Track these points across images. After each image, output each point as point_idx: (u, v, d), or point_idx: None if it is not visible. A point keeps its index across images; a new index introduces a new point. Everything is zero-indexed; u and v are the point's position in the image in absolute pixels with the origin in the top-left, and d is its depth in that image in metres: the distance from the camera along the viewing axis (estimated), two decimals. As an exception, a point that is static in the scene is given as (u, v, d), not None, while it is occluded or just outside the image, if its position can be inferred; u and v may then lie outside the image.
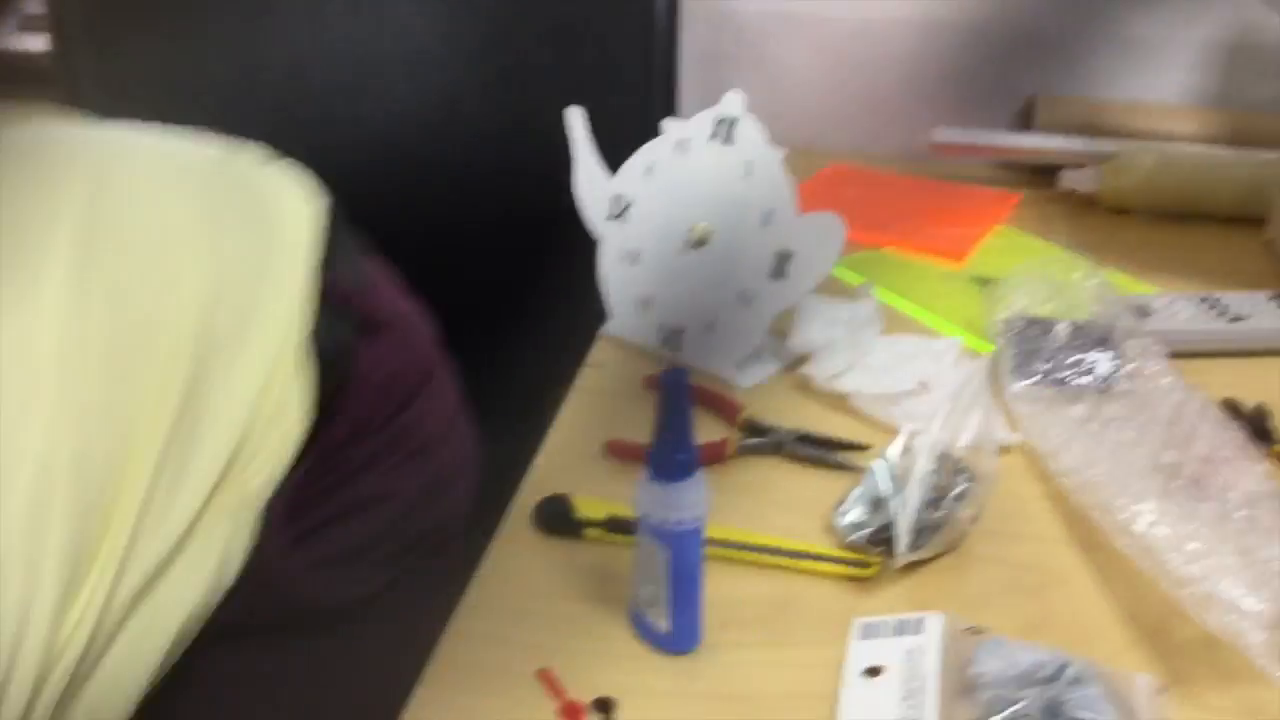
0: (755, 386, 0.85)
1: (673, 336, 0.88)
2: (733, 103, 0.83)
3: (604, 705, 0.59)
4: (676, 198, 0.86)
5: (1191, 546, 0.62)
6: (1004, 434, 0.78)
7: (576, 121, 0.89)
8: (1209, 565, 0.61)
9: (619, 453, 0.77)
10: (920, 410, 0.79)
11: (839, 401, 0.82)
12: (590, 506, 0.71)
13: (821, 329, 0.84)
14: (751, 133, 0.82)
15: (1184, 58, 1.24)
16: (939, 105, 1.28)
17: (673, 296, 0.87)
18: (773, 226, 0.82)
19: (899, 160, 1.28)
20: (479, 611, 0.65)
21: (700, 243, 0.85)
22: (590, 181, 0.90)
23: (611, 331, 0.91)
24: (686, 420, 0.56)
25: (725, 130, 0.83)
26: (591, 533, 0.70)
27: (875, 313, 0.86)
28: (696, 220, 0.85)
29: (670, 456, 0.57)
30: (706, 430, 0.80)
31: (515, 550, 0.70)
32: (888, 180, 1.22)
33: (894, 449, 0.71)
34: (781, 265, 0.82)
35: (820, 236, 0.80)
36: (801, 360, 0.85)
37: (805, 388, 0.84)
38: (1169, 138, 1.21)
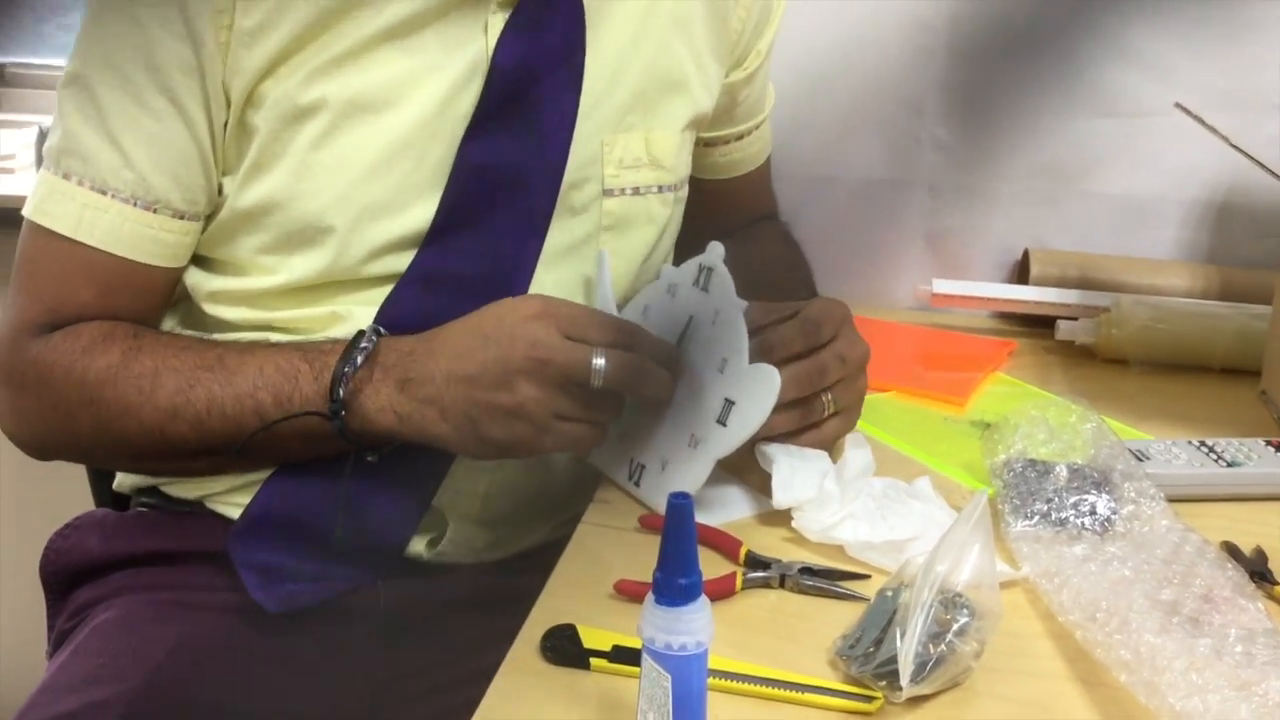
0: (742, 523, 0.86)
1: (635, 472, 0.90)
2: (714, 252, 0.87)
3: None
4: (665, 338, 0.88)
5: (1192, 679, 0.62)
6: (1005, 570, 0.79)
7: (603, 260, 0.93)
8: (1210, 699, 0.61)
9: (628, 591, 0.77)
10: (919, 551, 0.80)
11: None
12: (596, 637, 0.72)
13: (809, 482, 0.85)
14: (723, 282, 0.86)
15: (1175, 215, 1.28)
16: (937, 258, 1.32)
17: (642, 433, 0.90)
18: (725, 374, 0.84)
19: (898, 310, 1.31)
20: (483, 739, 0.65)
21: (676, 379, 0.88)
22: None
23: (592, 461, 0.93)
24: (691, 545, 0.58)
25: (705, 278, 0.87)
26: (597, 663, 0.71)
27: (869, 463, 0.87)
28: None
29: (674, 580, 0.58)
30: (709, 566, 0.80)
31: (521, 679, 0.70)
32: (889, 328, 1.26)
33: (894, 582, 0.72)
34: (726, 412, 0.84)
35: (758, 387, 0.83)
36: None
37: (784, 520, 0.85)
38: (1162, 292, 1.25)
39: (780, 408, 0.85)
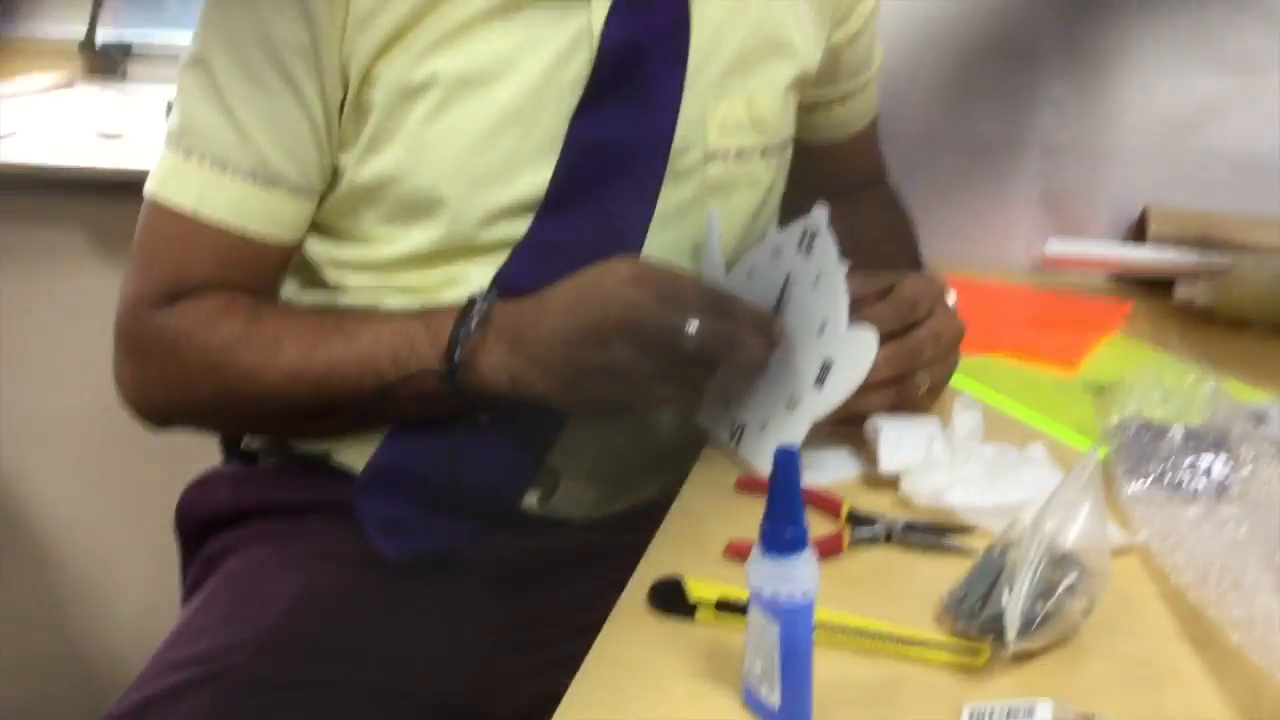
0: (847, 489, 0.86)
1: (736, 432, 0.91)
2: (818, 215, 0.87)
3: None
4: (764, 301, 0.89)
5: (1307, 639, 0.61)
6: (1116, 533, 0.78)
7: (711, 221, 0.94)
8: (1326, 659, 0.60)
9: (740, 552, 0.78)
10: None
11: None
12: (702, 589, 0.73)
13: (917, 446, 0.85)
14: (826, 245, 0.85)
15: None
16: (1051, 218, 1.30)
17: (743, 395, 0.91)
18: (824, 336, 0.85)
19: (1011, 273, 1.30)
20: (594, 685, 0.67)
21: (773, 345, 0.88)
22: (710, 278, 0.94)
23: (699, 422, 0.95)
24: (796, 496, 0.59)
25: (809, 241, 0.87)
26: (703, 614, 0.72)
27: (978, 425, 0.87)
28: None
29: (782, 531, 0.59)
30: (813, 526, 0.81)
31: (629, 629, 0.72)
32: (999, 290, 1.24)
33: (1002, 540, 0.72)
34: (824, 374, 0.84)
35: (856, 350, 0.83)
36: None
37: (890, 483, 0.85)
38: (1285, 251, 1.21)
39: (874, 386, 0.85)
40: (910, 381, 0.88)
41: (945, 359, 0.90)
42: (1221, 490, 0.81)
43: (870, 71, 1.13)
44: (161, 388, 0.93)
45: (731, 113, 0.96)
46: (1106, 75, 1.27)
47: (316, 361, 0.88)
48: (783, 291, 0.88)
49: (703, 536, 0.80)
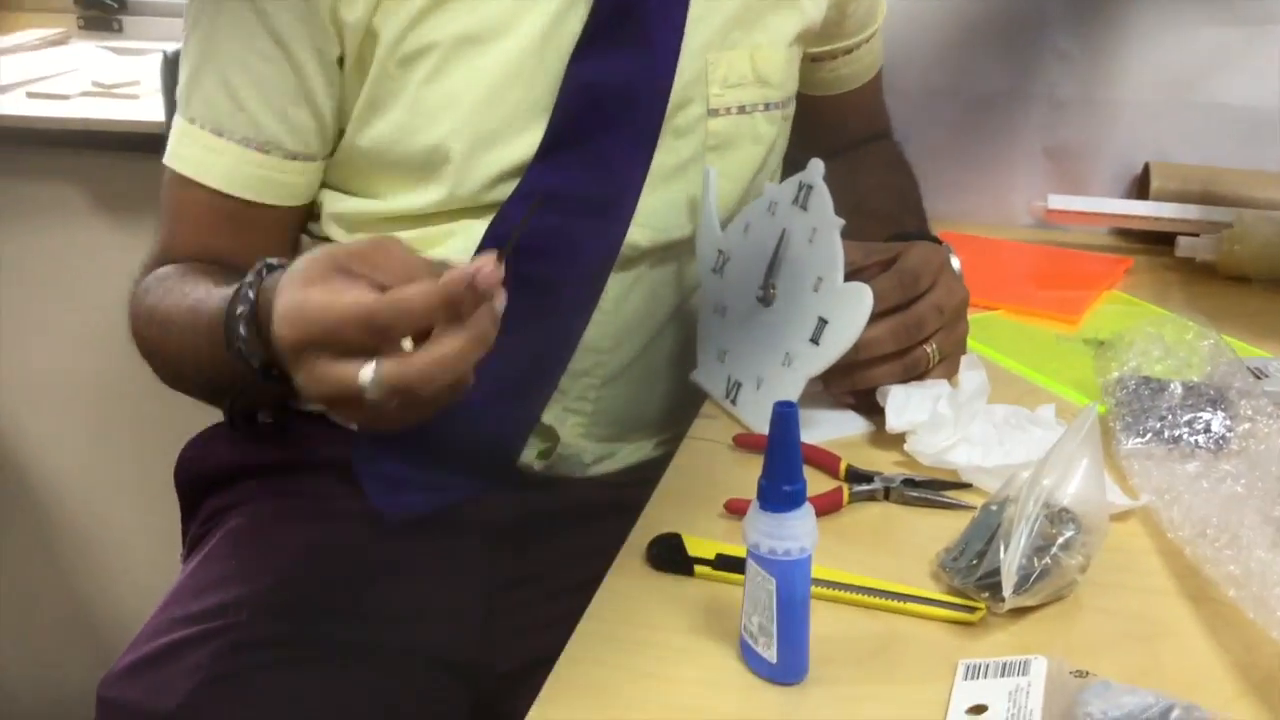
0: (850, 446, 0.86)
1: (732, 389, 0.91)
2: (814, 169, 0.86)
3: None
4: (760, 256, 0.89)
5: (1303, 595, 0.62)
6: (1115, 491, 0.78)
7: (709, 178, 0.93)
8: (1321, 615, 0.60)
9: (738, 509, 0.78)
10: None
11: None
12: (700, 546, 0.74)
13: (923, 405, 0.84)
14: (822, 200, 0.85)
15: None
16: (1053, 173, 1.29)
17: (740, 351, 0.90)
18: (820, 293, 0.84)
19: (1011, 227, 1.29)
20: (592, 639, 0.68)
21: (768, 301, 0.88)
22: (704, 234, 0.95)
23: (695, 379, 0.95)
24: (795, 452, 0.59)
25: (804, 195, 0.86)
26: (702, 570, 0.72)
27: (984, 384, 0.86)
28: (771, 279, 0.88)
29: (779, 487, 0.59)
30: (812, 483, 0.81)
31: (628, 584, 0.72)
32: (1000, 245, 1.24)
33: (1000, 496, 0.72)
34: (819, 331, 0.84)
35: (850, 306, 0.82)
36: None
37: (889, 442, 0.85)
38: (1287, 206, 1.20)
39: (882, 360, 0.85)
40: (919, 353, 0.86)
41: (952, 329, 0.89)
42: (1220, 446, 0.81)
43: (875, 24, 1.12)
44: (143, 353, 0.91)
45: (734, 67, 0.95)
46: (1111, 29, 1.25)
47: (171, 335, 0.84)
48: (778, 247, 0.88)
49: (701, 494, 0.80)
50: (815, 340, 0.84)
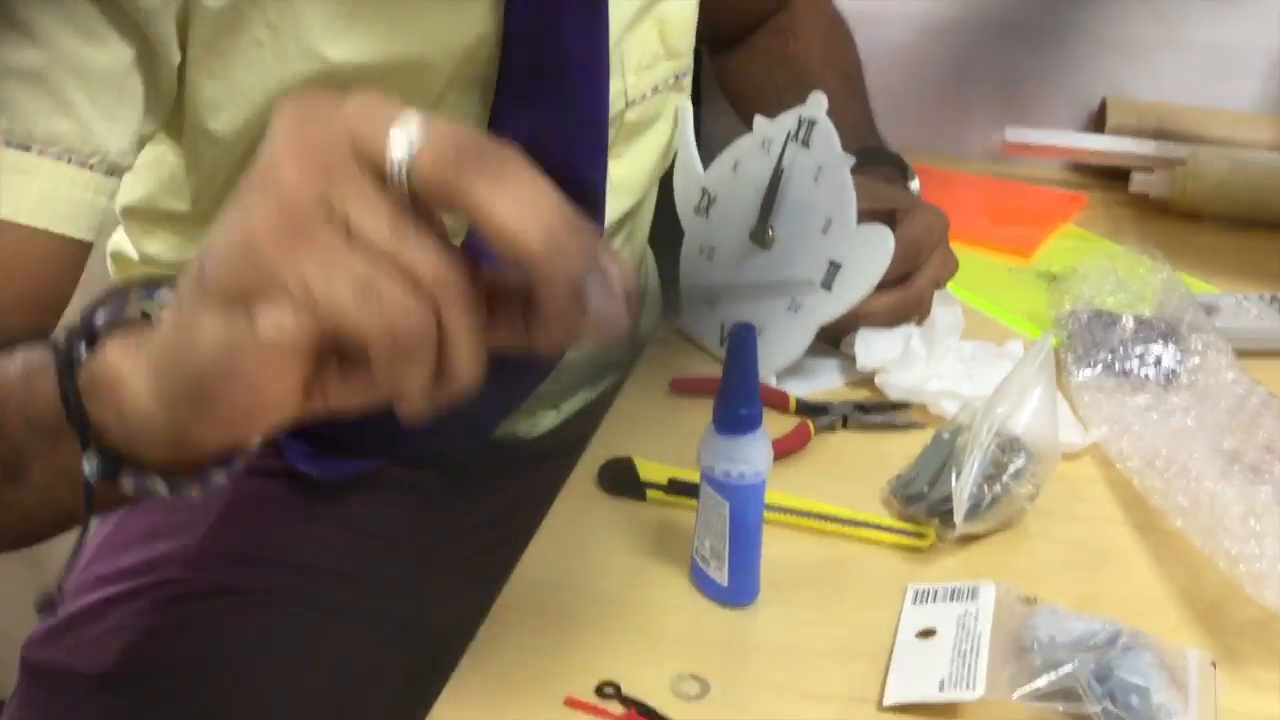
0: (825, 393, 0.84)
1: (726, 337, 0.87)
2: (816, 103, 0.81)
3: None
4: (753, 196, 0.84)
5: (1250, 525, 0.62)
6: (1067, 420, 0.78)
7: (684, 113, 0.89)
8: (1267, 544, 0.61)
9: (686, 388, 0.79)
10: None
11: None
12: (653, 470, 0.73)
13: (893, 343, 0.82)
14: (827, 136, 0.80)
15: (1258, 65, 1.23)
16: (1010, 106, 1.29)
17: (732, 296, 0.86)
18: (830, 236, 0.80)
19: (968, 160, 1.28)
20: (542, 561, 0.67)
21: (766, 244, 0.84)
22: (685, 173, 0.90)
23: (680, 327, 0.91)
24: (753, 376, 0.58)
25: (805, 131, 0.81)
26: (654, 494, 0.72)
27: (958, 320, 0.84)
28: (767, 221, 0.83)
29: (735, 410, 0.58)
30: (771, 422, 0.80)
31: (579, 508, 0.72)
32: (955, 179, 1.23)
33: (952, 424, 0.72)
34: (831, 276, 0.80)
35: (870, 250, 0.79)
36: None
37: (868, 385, 0.83)
38: (1241, 144, 1.21)
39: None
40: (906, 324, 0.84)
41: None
42: (1170, 379, 0.81)
43: None
44: None
45: (645, 46, 0.84)
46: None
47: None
48: (774, 187, 0.83)
49: (653, 422, 0.80)
50: (827, 286, 0.80)
